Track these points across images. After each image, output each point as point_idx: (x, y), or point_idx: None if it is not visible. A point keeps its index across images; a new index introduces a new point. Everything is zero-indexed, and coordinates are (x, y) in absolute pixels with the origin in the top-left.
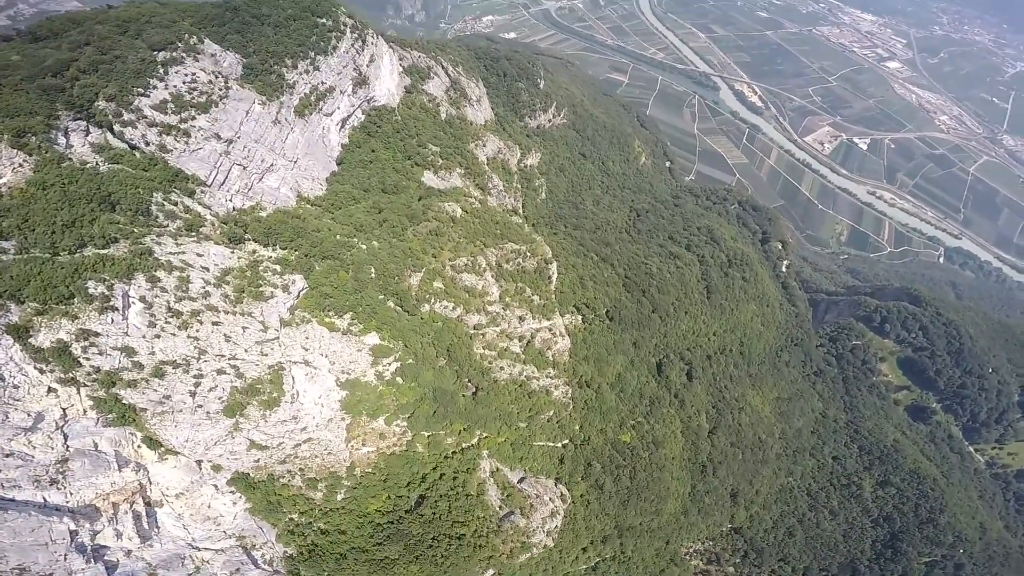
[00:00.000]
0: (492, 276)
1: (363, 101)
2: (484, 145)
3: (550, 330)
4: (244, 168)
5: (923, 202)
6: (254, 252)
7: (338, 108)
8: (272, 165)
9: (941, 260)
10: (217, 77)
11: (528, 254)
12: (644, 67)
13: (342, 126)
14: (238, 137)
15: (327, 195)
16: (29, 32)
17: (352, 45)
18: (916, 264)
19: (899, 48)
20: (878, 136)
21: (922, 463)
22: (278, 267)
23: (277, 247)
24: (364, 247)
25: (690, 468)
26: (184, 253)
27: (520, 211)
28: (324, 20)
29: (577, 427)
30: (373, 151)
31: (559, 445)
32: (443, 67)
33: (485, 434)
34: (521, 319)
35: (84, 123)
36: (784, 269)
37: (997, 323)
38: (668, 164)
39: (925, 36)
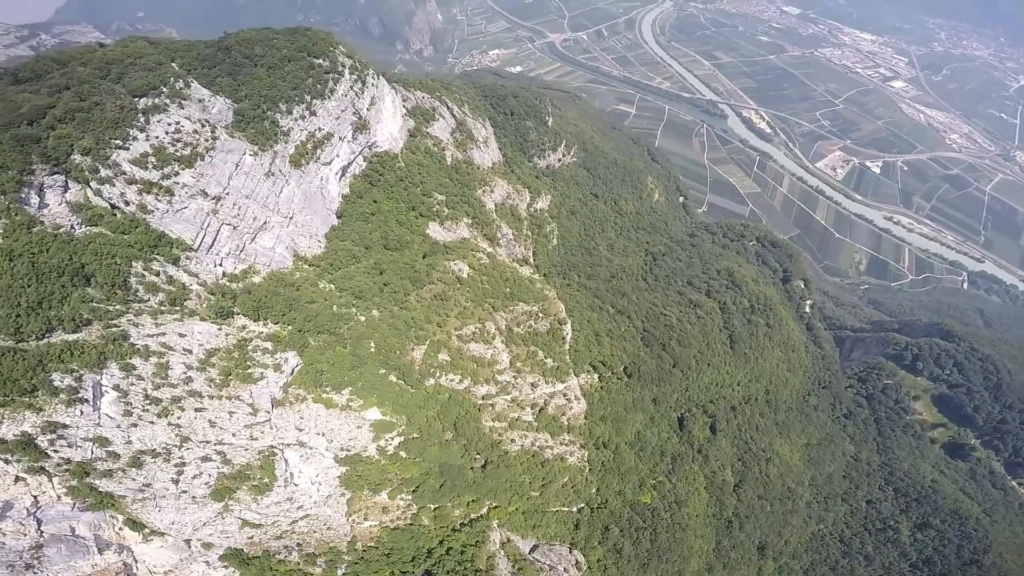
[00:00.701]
0: (502, 342)
1: (364, 147)
2: (492, 191)
3: (564, 394)
4: (235, 228)
5: (942, 225)
6: (243, 328)
7: (337, 156)
8: (266, 223)
9: (965, 285)
10: (204, 126)
11: (540, 315)
12: (651, 97)
13: (342, 175)
14: (227, 193)
15: (326, 253)
16: (11, 73)
17: (351, 87)
18: (940, 291)
19: (902, 67)
20: (890, 158)
21: (963, 502)
22: (269, 345)
23: (268, 322)
24: (363, 318)
25: (715, 524)
26: (164, 335)
27: (531, 260)
28: (321, 61)
29: (594, 490)
30: (375, 202)
31: (574, 510)
32: (448, 108)
33: (495, 504)
34: (533, 385)
35: (62, 178)
36: (808, 309)
37: None
38: (682, 199)
39: (926, 53)
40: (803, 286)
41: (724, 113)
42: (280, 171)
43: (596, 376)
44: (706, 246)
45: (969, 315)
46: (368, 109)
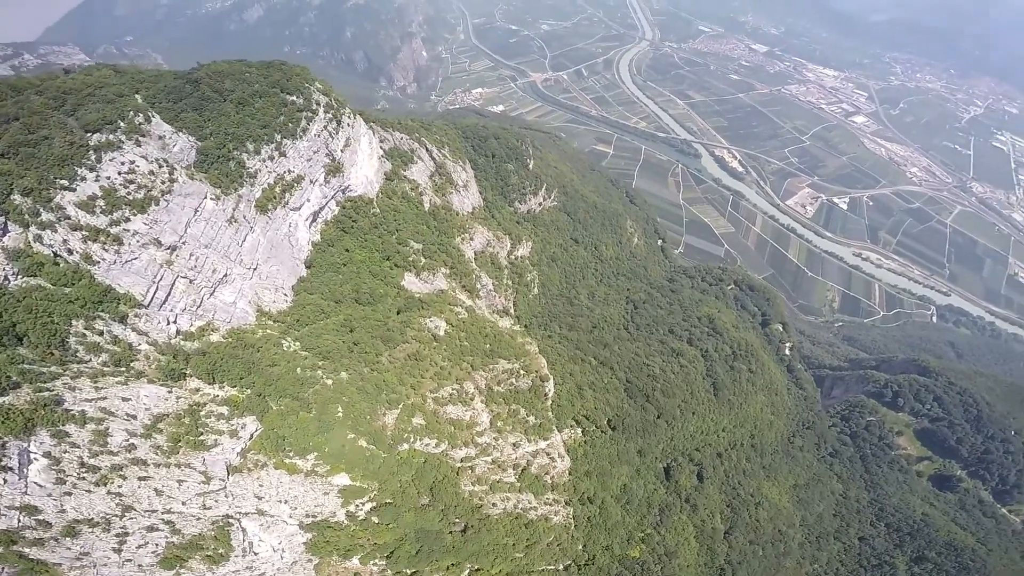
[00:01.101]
0: (482, 402)
1: (337, 191)
2: (472, 238)
3: (548, 453)
4: (191, 281)
5: (908, 260)
6: (197, 391)
7: (307, 201)
8: (226, 275)
9: (934, 319)
10: (162, 166)
11: (522, 372)
12: (628, 137)
13: (312, 221)
14: (183, 243)
15: (292, 308)
16: None
17: (325, 127)
18: (911, 326)
19: (862, 102)
20: (856, 194)
21: (956, 533)
22: (225, 409)
23: (225, 385)
24: (330, 381)
25: (707, 573)
26: (105, 399)
27: (512, 310)
28: (294, 98)
29: (580, 547)
30: (347, 251)
31: (561, 568)
32: (427, 150)
33: (477, 567)
34: (515, 445)
35: (2, 219)
36: (788, 352)
37: (1011, 385)
38: (660, 242)
39: (884, 87)
40: (782, 329)
41: (698, 152)
42: (244, 217)
43: (580, 430)
44: (686, 291)
45: (941, 348)
46: (342, 151)
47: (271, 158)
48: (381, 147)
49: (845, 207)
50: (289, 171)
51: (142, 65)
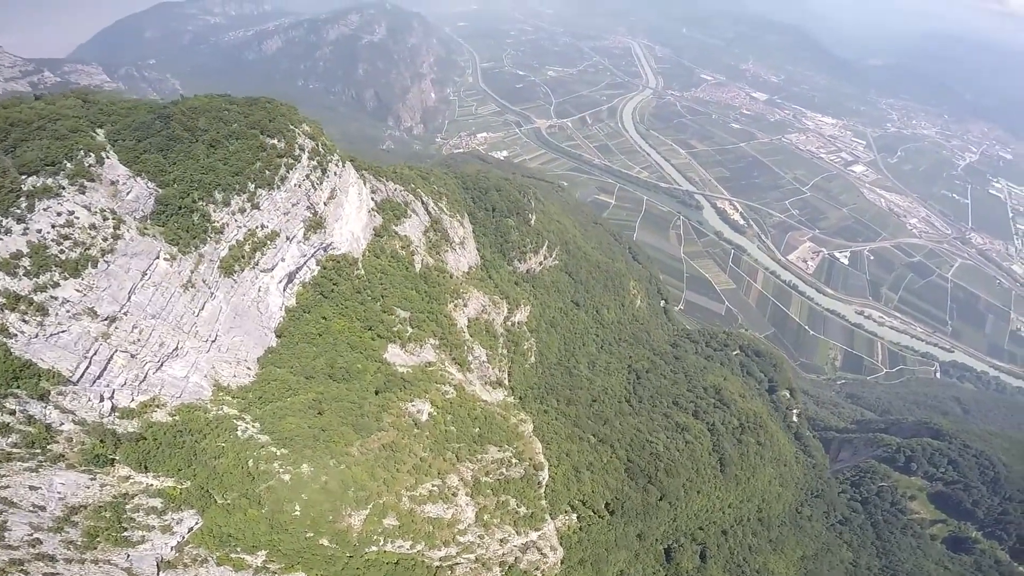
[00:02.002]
0: (467, 495)
1: (317, 249)
2: (466, 304)
3: (538, 546)
4: (133, 356)
5: (911, 317)
6: (127, 479)
7: (282, 261)
8: (178, 348)
9: (938, 375)
10: (107, 219)
11: (514, 460)
12: (630, 187)
13: (288, 283)
14: (125, 313)
15: (256, 384)
16: None
17: (308, 176)
18: (915, 383)
19: (860, 150)
20: (857, 248)
21: None
22: (158, 502)
23: (160, 474)
24: (288, 476)
25: None
26: (7, 487)
27: (506, 381)
28: (275, 141)
29: None
30: (324, 319)
31: None
32: (423, 202)
33: None
34: (503, 541)
35: None
36: (795, 419)
37: None
38: (663, 303)
39: (881, 135)
40: (789, 395)
41: (699, 204)
42: (204, 281)
43: (575, 516)
44: (690, 358)
45: (947, 404)
46: (326, 203)
47: (242, 211)
48: (372, 198)
49: (846, 262)
50: (262, 226)
51: (160, 89)
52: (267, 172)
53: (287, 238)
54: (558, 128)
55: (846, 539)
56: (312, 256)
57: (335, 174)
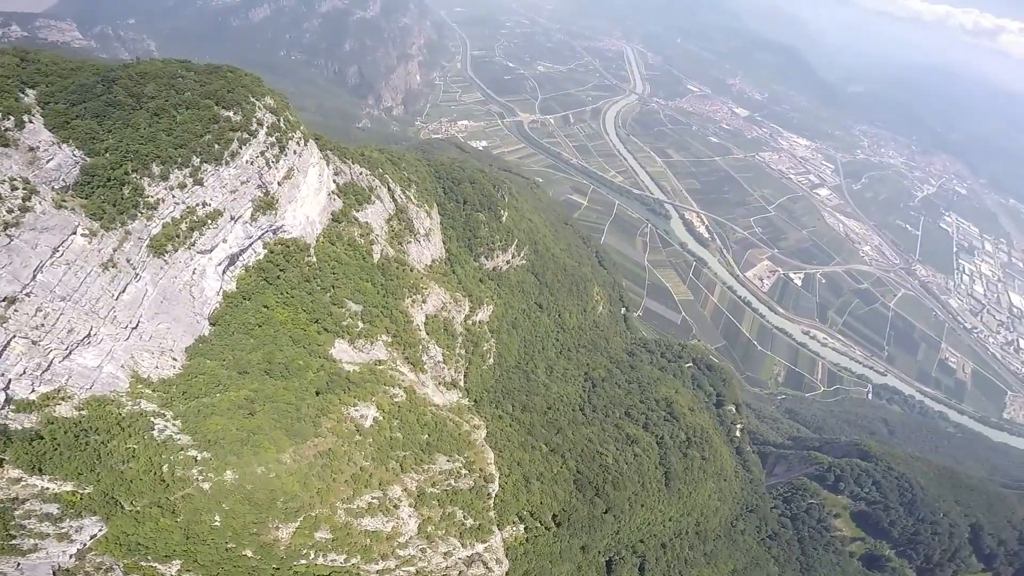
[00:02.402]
0: (410, 506)
1: (266, 231)
2: (425, 301)
3: (483, 560)
4: (35, 343)
5: (852, 340)
6: (17, 481)
7: (223, 242)
8: (90, 335)
9: (869, 396)
10: (15, 188)
11: (464, 471)
12: (603, 190)
13: (229, 266)
14: (28, 294)
15: (182, 376)
16: None
17: (263, 153)
18: (848, 402)
19: (828, 174)
20: (811, 270)
21: None
22: (55, 508)
23: (58, 478)
24: (208, 485)
25: None
26: None
27: (461, 383)
28: (230, 113)
29: None
30: (266, 308)
31: None
32: (389, 189)
33: None
34: (447, 554)
35: None
36: (739, 434)
37: (942, 468)
38: (624, 310)
39: (850, 161)
40: (735, 411)
41: (668, 213)
42: (128, 261)
43: (522, 527)
44: (645, 368)
45: (876, 424)
46: (281, 183)
47: (182, 186)
48: (335, 180)
49: (800, 283)
50: (204, 203)
51: (135, 51)
52: (216, 146)
53: (232, 218)
54: (540, 124)
55: (774, 554)
56: (259, 238)
57: (294, 153)
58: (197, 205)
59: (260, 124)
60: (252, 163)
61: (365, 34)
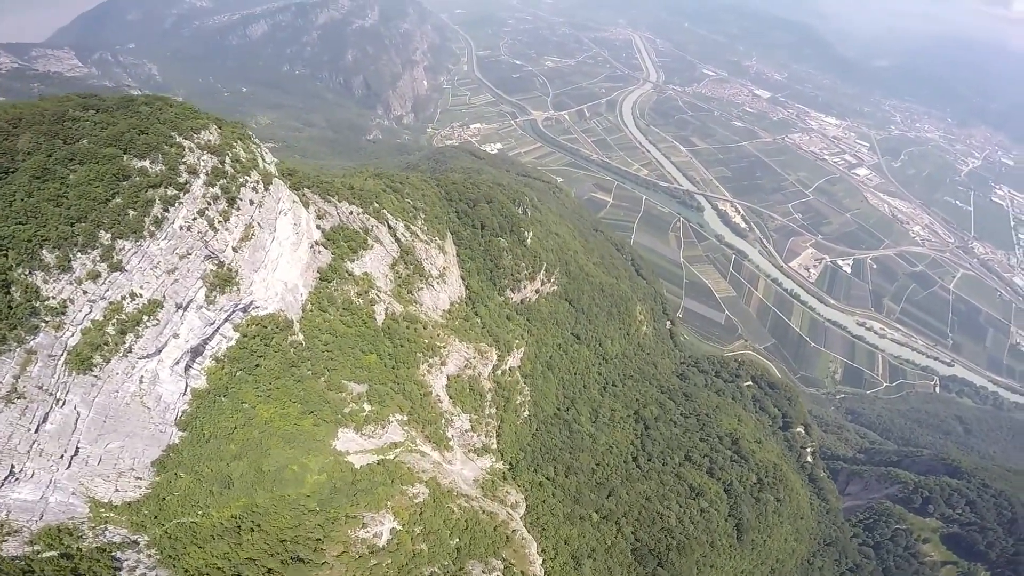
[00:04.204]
0: None
1: (232, 312)
2: (444, 362)
3: None
4: None
5: (912, 329)
6: None
7: (174, 337)
8: (13, 472)
9: (937, 390)
10: None
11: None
12: (628, 185)
13: (192, 361)
14: None
15: (150, 497)
16: None
17: (203, 211)
18: (915, 398)
19: (864, 153)
20: (860, 255)
21: None
22: None
23: None
24: None
25: None
26: None
27: (494, 445)
28: (146, 163)
29: None
30: (246, 405)
31: None
32: (389, 227)
33: None
34: None
35: None
36: (810, 458)
37: None
38: (669, 325)
39: (885, 138)
40: (804, 432)
41: (700, 205)
42: (41, 387)
43: None
44: (701, 395)
45: (949, 423)
46: (238, 247)
47: (93, 276)
48: (319, 226)
49: (849, 270)
50: (132, 295)
51: (136, 75)
52: (131, 212)
53: (178, 306)
54: (555, 121)
55: None
56: (224, 323)
57: (252, 203)
58: (123, 298)
59: (194, 172)
60: (189, 228)
61: (366, 43)
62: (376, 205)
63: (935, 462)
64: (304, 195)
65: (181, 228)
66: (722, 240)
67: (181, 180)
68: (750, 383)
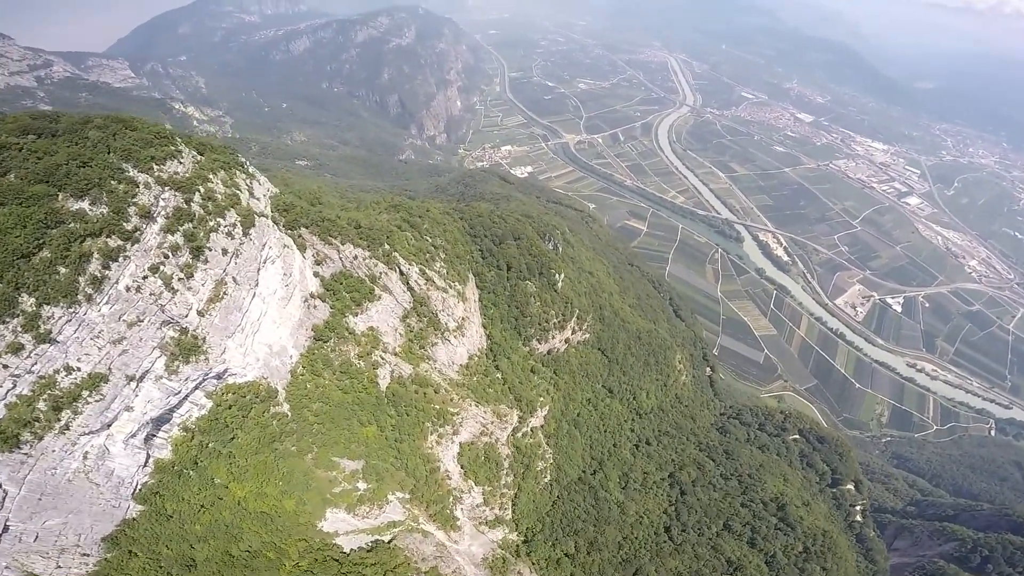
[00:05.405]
0: None
1: (202, 381)
2: (456, 431)
3: None
4: None
5: (966, 371)
6: None
7: (126, 411)
8: None
9: (992, 433)
10: None
11: None
12: (664, 213)
13: (153, 434)
14: None
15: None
16: None
17: (158, 267)
18: (967, 442)
19: (915, 180)
20: (911, 293)
21: None
22: None
23: None
24: None
25: None
26: None
27: (508, 516)
28: (84, 204)
29: None
30: (216, 480)
31: None
32: (401, 273)
33: None
34: None
35: None
36: (859, 517)
37: None
38: (708, 372)
39: (936, 164)
40: (854, 490)
41: (740, 235)
42: None
43: None
44: (743, 452)
45: (1007, 469)
46: (206, 310)
47: (14, 349)
48: (317, 273)
49: (899, 309)
50: (67, 368)
51: (184, 87)
52: (61, 270)
53: (129, 378)
54: (587, 144)
55: None
56: (195, 390)
57: (226, 252)
58: (56, 372)
59: (147, 215)
60: (139, 289)
61: (403, 61)
62: (387, 247)
63: (997, 517)
64: (300, 237)
65: (128, 289)
66: (763, 274)
67: (128, 227)
68: (797, 436)
